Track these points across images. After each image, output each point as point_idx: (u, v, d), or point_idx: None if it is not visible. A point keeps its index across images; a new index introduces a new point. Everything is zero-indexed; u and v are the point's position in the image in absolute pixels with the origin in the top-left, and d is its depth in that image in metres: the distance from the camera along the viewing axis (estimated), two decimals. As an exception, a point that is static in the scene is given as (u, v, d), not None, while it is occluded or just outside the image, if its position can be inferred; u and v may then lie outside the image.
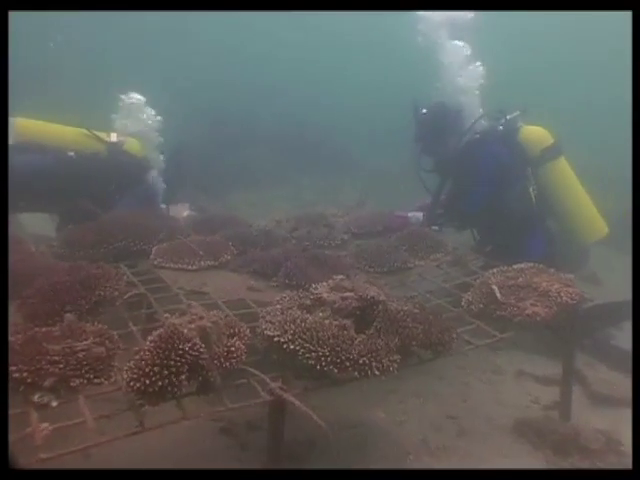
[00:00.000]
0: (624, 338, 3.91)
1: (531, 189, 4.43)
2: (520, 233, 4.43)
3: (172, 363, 1.99)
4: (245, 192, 8.30)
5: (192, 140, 7.53)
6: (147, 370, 1.96)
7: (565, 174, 4.56)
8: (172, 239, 3.65)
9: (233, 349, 2.17)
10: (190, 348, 2.03)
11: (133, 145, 4.69)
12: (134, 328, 2.59)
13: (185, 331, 2.09)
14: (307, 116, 10.92)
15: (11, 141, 4.18)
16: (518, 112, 4.62)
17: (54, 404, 2.02)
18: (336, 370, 2.23)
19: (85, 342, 2.19)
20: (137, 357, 2.05)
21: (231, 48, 15.57)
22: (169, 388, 1.97)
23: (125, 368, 2.06)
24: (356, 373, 2.23)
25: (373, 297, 2.54)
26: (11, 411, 1.94)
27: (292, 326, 2.37)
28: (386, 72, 14.19)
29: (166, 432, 2.00)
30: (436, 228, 4.31)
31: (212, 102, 10.73)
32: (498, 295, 2.90)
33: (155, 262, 3.39)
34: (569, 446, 2.94)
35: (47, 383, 2.03)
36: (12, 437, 1.78)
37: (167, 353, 2.00)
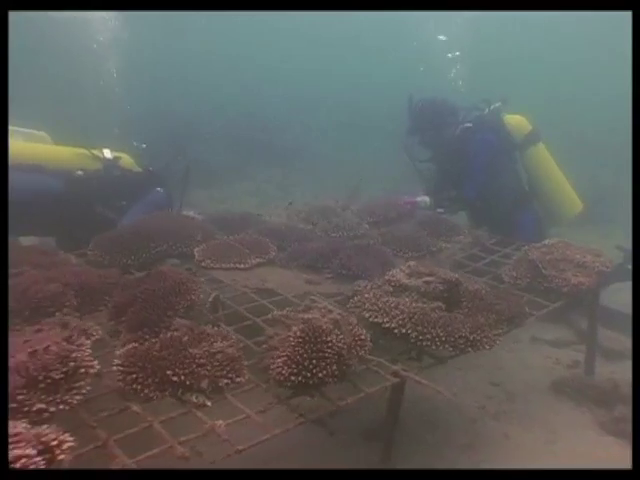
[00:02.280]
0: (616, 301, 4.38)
1: (521, 172, 4.84)
2: (512, 213, 4.83)
3: (323, 355, 2.09)
4: (207, 189, 8.21)
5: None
6: (306, 364, 2.06)
7: (544, 157, 5.02)
8: (209, 240, 3.65)
9: (363, 337, 2.30)
10: (334, 339, 2.14)
11: (127, 161, 4.61)
12: (228, 328, 2.63)
13: (324, 325, 2.19)
14: (254, 109, 10.87)
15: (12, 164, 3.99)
16: (499, 102, 5.02)
17: (209, 404, 2.07)
18: (451, 348, 2.42)
19: (219, 344, 2.23)
20: (283, 353, 2.14)
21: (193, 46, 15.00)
22: (325, 379, 2.08)
23: (274, 365, 2.14)
24: (470, 349, 2.43)
25: (457, 278, 2.75)
26: (173, 412, 1.99)
27: (397, 312, 2.52)
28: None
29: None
30: (441, 211, 4.59)
31: (161, 100, 10.42)
32: (543, 270, 3.21)
33: (203, 263, 3.39)
34: (610, 397, 3.32)
35: (203, 384, 2.07)
36: (188, 436, 1.85)
37: (318, 346, 2.10)
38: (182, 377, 2.05)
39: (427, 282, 2.77)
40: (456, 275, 2.81)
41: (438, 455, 2.80)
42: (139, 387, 2.04)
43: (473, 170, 4.66)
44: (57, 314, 2.54)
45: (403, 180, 8.00)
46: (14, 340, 2.10)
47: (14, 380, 1.76)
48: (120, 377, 2.07)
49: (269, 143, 9.76)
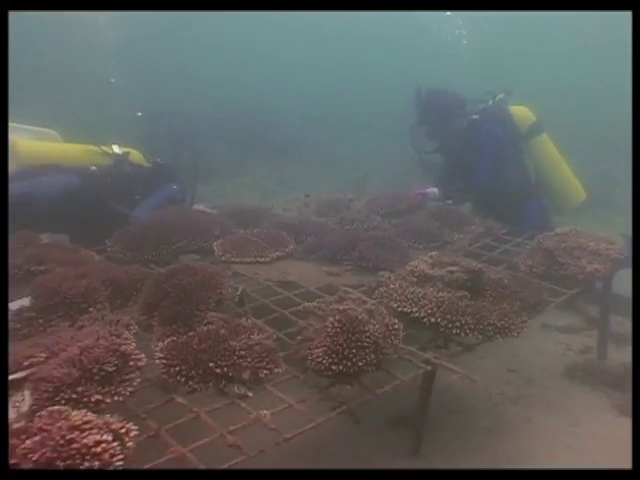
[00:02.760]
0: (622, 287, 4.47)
1: (527, 162, 4.91)
2: (518, 203, 4.90)
3: (362, 344, 2.14)
4: (206, 183, 8.21)
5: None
6: (346, 353, 2.11)
7: (548, 147, 5.08)
8: (227, 234, 3.68)
9: (396, 327, 2.36)
10: (371, 329, 2.19)
11: (136, 155, 4.63)
12: (259, 321, 2.68)
13: (360, 315, 2.25)
14: (253, 105, 10.87)
15: (20, 165, 4.01)
16: (503, 94, 5.08)
17: (250, 394, 2.12)
18: (480, 336, 2.49)
19: (256, 336, 2.27)
20: (321, 344, 2.18)
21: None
22: (365, 368, 2.13)
23: (312, 355, 2.19)
24: (498, 336, 2.49)
25: (480, 268, 2.81)
26: (217, 403, 2.03)
27: (425, 301, 2.58)
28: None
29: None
30: (450, 202, 4.65)
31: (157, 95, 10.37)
32: (559, 258, 3.28)
33: (223, 258, 3.42)
34: (623, 380, 3.41)
35: (245, 375, 2.12)
36: (235, 425, 1.90)
37: (356, 336, 2.15)
38: (224, 369, 2.10)
39: (451, 272, 2.83)
40: (479, 264, 2.87)
41: (463, 440, 2.87)
42: (183, 379, 2.08)
43: (481, 161, 4.71)
44: (90, 310, 2.57)
45: (403, 174, 8.09)
46: (59, 335, 2.13)
47: (70, 373, 1.80)
48: (164, 370, 2.11)
49: (268, 138, 9.76)
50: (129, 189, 4.30)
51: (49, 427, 1.50)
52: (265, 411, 1.99)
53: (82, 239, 3.83)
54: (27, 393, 1.69)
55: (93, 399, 1.79)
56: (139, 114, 4.73)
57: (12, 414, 1.61)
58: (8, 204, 3.64)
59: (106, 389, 1.85)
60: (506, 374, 3.58)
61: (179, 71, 12.59)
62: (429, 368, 2.38)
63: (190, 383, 2.07)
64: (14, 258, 3.01)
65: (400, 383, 2.26)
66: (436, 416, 3.01)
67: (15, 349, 2.05)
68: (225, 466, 1.75)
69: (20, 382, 1.85)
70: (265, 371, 2.18)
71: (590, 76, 13.23)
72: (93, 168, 4.17)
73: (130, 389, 1.91)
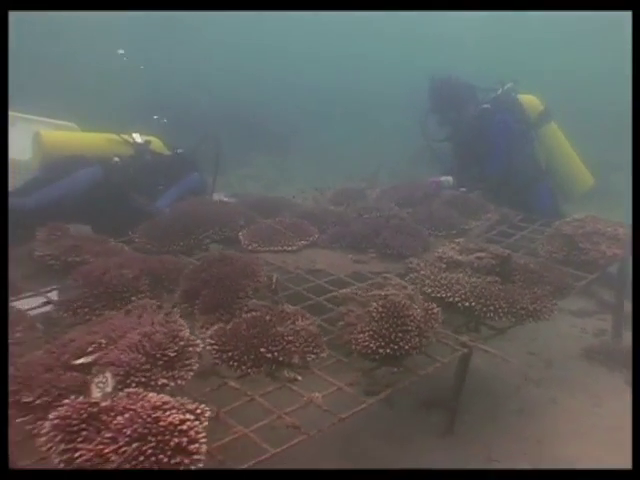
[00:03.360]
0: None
1: (537, 150, 5.00)
2: (529, 190, 4.99)
3: (407, 328, 2.23)
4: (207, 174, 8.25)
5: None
6: (393, 337, 2.19)
7: (557, 135, 5.18)
8: (251, 224, 3.73)
9: (435, 311, 2.44)
10: (415, 313, 2.28)
11: (157, 144, 4.65)
12: (297, 308, 2.74)
13: (401, 300, 2.33)
14: (252, 96, 10.86)
15: (46, 156, 4.05)
16: (511, 83, 5.15)
17: (299, 378, 2.19)
18: (513, 319, 2.58)
19: (301, 322, 2.35)
20: (367, 328, 2.26)
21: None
22: (410, 351, 2.22)
23: (356, 340, 2.26)
24: (531, 319, 2.59)
25: (509, 253, 2.90)
26: (269, 387, 2.11)
27: (458, 286, 2.67)
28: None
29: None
30: (464, 190, 4.73)
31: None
32: (579, 243, 3.37)
33: (250, 247, 3.48)
34: (640, 362, 3.51)
35: (295, 360, 2.19)
36: (291, 407, 1.97)
37: (401, 320, 2.23)
38: (275, 354, 2.17)
39: (479, 258, 2.91)
40: (507, 250, 2.95)
41: (493, 420, 2.97)
42: (235, 364, 2.15)
43: (494, 150, 4.79)
44: (133, 299, 2.64)
45: (407, 165, 8.16)
46: (113, 322, 2.19)
47: (137, 358, 1.87)
48: (216, 355, 2.18)
49: (268, 129, 9.78)
50: (151, 180, 4.32)
51: (132, 407, 1.57)
52: (317, 393, 2.07)
53: (104, 230, 3.87)
54: (109, 375, 1.75)
55: (159, 382, 1.87)
56: (164, 121, 4.76)
57: (97, 394, 1.68)
58: (44, 207, 3.72)
59: (170, 373, 1.91)
60: (527, 357, 3.68)
61: (176, 62, 12.54)
62: (466, 350, 2.46)
63: (243, 368, 2.15)
64: (50, 249, 3.06)
65: (440, 365, 2.35)
66: (465, 397, 3.11)
67: (73, 336, 2.12)
68: (286, 446, 1.82)
69: (87, 366, 1.92)
70: (312, 355, 2.26)
71: (590, 60, 13.30)
72: (116, 159, 4.19)
73: (191, 373, 1.98)
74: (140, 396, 1.66)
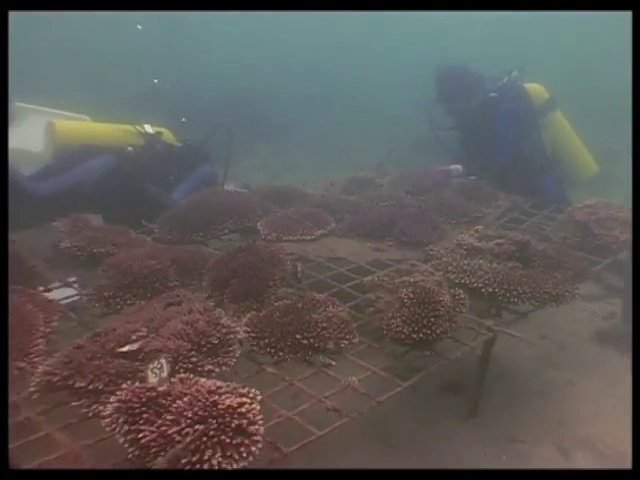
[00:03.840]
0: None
1: (543, 138, 5.07)
2: (536, 178, 5.06)
3: (438, 313, 2.29)
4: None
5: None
6: (425, 322, 2.25)
7: (562, 123, 5.25)
8: (268, 214, 3.78)
9: (462, 296, 2.51)
10: (444, 299, 2.34)
11: (168, 135, 4.67)
12: (322, 295, 2.80)
13: (431, 286, 2.39)
14: (252, 84, 10.85)
15: (59, 145, 4.07)
16: (516, 71, 5.21)
17: (334, 363, 2.25)
18: (537, 303, 2.65)
19: (332, 309, 2.41)
20: (398, 314, 2.33)
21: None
22: (441, 335, 2.29)
23: (389, 325, 2.33)
24: (553, 303, 2.66)
25: (528, 239, 2.96)
26: (306, 372, 2.17)
27: (481, 272, 2.73)
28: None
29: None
30: (473, 178, 4.79)
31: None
32: (593, 229, 3.45)
33: (270, 237, 3.53)
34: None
35: (330, 345, 2.25)
36: (329, 392, 2.03)
37: (432, 305, 2.30)
38: (311, 340, 2.23)
39: (499, 244, 2.98)
40: (526, 237, 3.02)
41: (514, 403, 3.05)
42: (272, 350, 2.21)
43: (502, 138, 4.85)
44: (163, 288, 2.69)
45: (408, 154, 8.21)
46: (149, 312, 2.25)
47: (183, 345, 1.92)
48: (253, 342, 2.24)
49: (269, 118, 9.78)
50: (163, 170, 4.35)
51: (188, 391, 1.62)
52: (353, 377, 2.13)
53: (115, 220, 3.88)
54: (164, 361, 1.81)
55: (206, 368, 1.92)
56: (183, 120, 4.80)
57: (153, 379, 1.74)
58: (56, 194, 3.74)
59: (214, 360, 1.97)
60: (540, 341, 3.76)
61: (173, 51, 12.47)
62: (491, 334, 2.53)
63: (280, 354, 2.20)
64: (75, 240, 3.10)
65: (469, 349, 2.42)
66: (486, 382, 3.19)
67: (114, 325, 2.17)
68: (330, 428, 1.88)
69: (133, 354, 1.97)
70: (345, 341, 2.32)
71: (590, 46, 13.32)
72: (130, 149, 4.21)
73: (234, 360, 2.04)
74: (192, 381, 1.71)
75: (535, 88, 5.19)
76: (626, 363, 3.55)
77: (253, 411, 1.57)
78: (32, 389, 1.95)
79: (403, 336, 2.27)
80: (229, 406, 1.55)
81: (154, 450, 1.52)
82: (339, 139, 9.38)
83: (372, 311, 2.48)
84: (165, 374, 1.75)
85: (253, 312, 2.44)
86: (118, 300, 2.63)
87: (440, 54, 6.09)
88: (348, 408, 1.99)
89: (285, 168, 8.34)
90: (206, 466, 1.46)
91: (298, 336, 2.23)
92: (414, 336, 2.25)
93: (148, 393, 1.64)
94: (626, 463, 2.52)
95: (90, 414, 1.84)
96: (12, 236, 3.02)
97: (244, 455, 1.50)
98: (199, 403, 1.56)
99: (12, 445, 1.67)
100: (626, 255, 3.83)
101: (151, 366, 1.78)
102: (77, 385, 1.89)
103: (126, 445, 1.57)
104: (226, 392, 1.63)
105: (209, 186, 4.41)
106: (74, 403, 1.86)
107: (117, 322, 2.23)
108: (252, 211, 3.75)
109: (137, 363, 1.94)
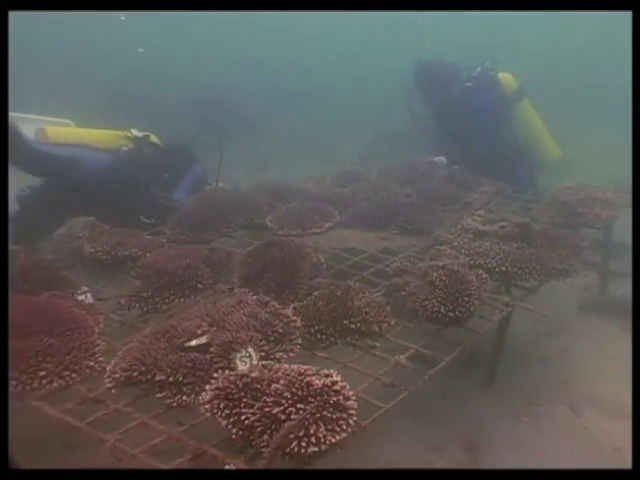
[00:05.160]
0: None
1: (515, 126, 5.40)
2: (509, 163, 5.39)
3: (469, 292, 2.52)
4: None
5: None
6: (460, 301, 2.48)
7: (530, 111, 5.60)
8: (274, 210, 3.91)
9: (484, 276, 2.75)
10: (473, 279, 2.57)
11: (154, 139, 4.72)
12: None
13: (459, 268, 2.62)
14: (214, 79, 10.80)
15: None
16: (488, 62, 5.51)
17: (377, 344, 2.45)
18: (547, 279, 2.92)
19: (368, 295, 2.60)
20: (432, 295, 2.54)
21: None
22: (474, 312, 2.52)
23: (424, 306, 2.54)
24: (561, 278, 2.94)
25: (528, 221, 3.24)
26: (355, 355, 2.35)
27: (493, 253, 2.98)
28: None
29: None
30: (456, 167, 5.06)
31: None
32: (578, 208, 3.77)
33: (280, 232, 3.67)
34: (627, 309, 3.96)
35: (375, 328, 2.46)
36: (382, 370, 2.23)
37: (464, 285, 2.53)
38: (357, 324, 2.42)
39: (502, 227, 3.24)
40: (527, 218, 3.30)
41: (523, 371, 3.35)
42: (323, 337, 2.39)
43: (481, 127, 5.14)
44: (199, 286, 2.81)
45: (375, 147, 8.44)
46: (202, 308, 2.37)
47: (254, 335, 2.07)
48: (305, 330, 2.40)
49: (238, 113, 9.79)
50: (157, 170, 4.39)
51: (279, 375, 1.78)
52: (400, 356, 2.33)
53: (108, 221, 3.88)
54: (251, 350, 1.95)
55: (277, 355, 2.08)
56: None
57: (242, 367, 1.89)
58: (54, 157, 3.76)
59: (282, 347, 2.13)
60: (532, 313, 4.07)
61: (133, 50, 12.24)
62: (510, 310, 2.79)
63: (332, 339, 2.38)
64: (99, 245, 3.16)
65: (493, 324, 2.67)
66: (493, 354, 3.46)
67: (172, 323, 2.29)
68: (395, 401, 2.07)
69: (202, 347, 2.11)
70: (384, 324, 2.52)
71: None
72: (125, 148, 4.25)
73: (298, 346, 2.21)
74: (275, 367, 1.87)
75: (506, 78, 5.50)
76: (610, 328, 3.92)
77: (345, 388, 1.75)
78: (109, 385, 2.07)
79: (440, 315, 2.48)
80: (325, 385, 1.72)
81: (259, 429, 1.68)
82: (309, 134, 9.53)
83: (404, 294, 2.68)
84: (255, 361, 1.90)
85: (295, 303, 2.59)
86: (157, 300, 2.74)
87: (413, 50, 6.34)
88: (403, 384, 2.19)
89: (258, 165, 8.41)
90: (313, 439, 1.63)
91: (345, 321, 2.41)
92: (450, 314, 2.47)
93: (243, 380, 1.78)
94: (627, 414, 2.85)
95: (174, 404, 1.97)
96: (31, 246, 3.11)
97: (344, 427, 1.68)
98: (295, 384, 1.73)
99: (116, 432, 1.79)
100: (603, 231, 4.21)
101: (239, 355, 1.92)
102: (157, 379, 2.01)
103: (229, 427, 1.72)
104: (313, 374, 1.80)
105: (203, 185, 4.51)
106: (158, 395, 1.99)
107: (174, 320, 2.35)
108: (259, 208, 3.88)
109: (208, 355, 2.08)
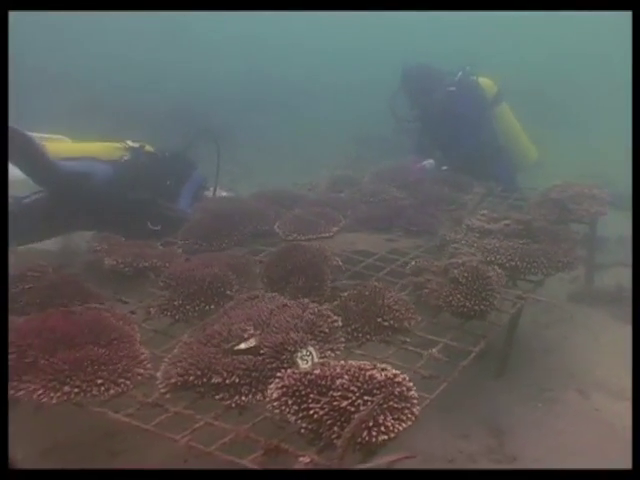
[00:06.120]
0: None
1: (496, 128, 5.65)
2: (490, 164, 5.63)
3: (492, 287, 2.69)
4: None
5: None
6: (483, 295, 2.64)
7: (509, 114, 5.86)
8: (281, 217, 4.01)
9: (500, 271, 2.92)
10: (493, 275, 2.74)
11: (148, 149, 4.76)
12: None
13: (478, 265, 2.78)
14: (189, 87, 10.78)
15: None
16: (469, 66, 5.75)
17: (408, 340, 2.59)
18: (553, 272, 3.12)
19: (396, 294, 2.74)
20: (456, 291, 2.70)
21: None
22: (496, 306, 2.68)
23: (449, 301, 2.70)
24: (567, 270, 3.14)
25: (530, 220, 3.44)
26: (390, 351, 2.48)
27: (503, 250, 3.17)
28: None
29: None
30: (445, 168, 5.27)
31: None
32: (568, 205, 4.00)
33: (290, 237, 3.77)
34: (614, 297, 4.24)
35: (406, 324, 2.59)
36: (418, 363, 2.36)
37: (486, 280, 2.69)
38: (391, 322, 2.55)
39: (506, 225, 3.43)
40: (529, 216, 3.50)
41: (530, 360, 3.54)
42: (360, 334, 2.51)
43: (465, 130, 5.36)
44: (228, 292, 2.89)
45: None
46: (240, 312, 2.47)
47: (303, 336, 2.18)
48: (343, 329, 2.52)
49: (212, 121, 9.80)
50: (158, 179, 4.43)
51: (341, 371, 1.90)
52: (433, 350, 2.48)
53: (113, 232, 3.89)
54: (312, 349, 2.06)
55: (326, 354, 2.20)
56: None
57: (304, 365, 1.99)
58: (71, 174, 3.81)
59: (330, 346, 2.25)
60: (527, 304, 4.28)
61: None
62: (522, 302, 2.97)
63: (367, 337, 2.51)
64: (120, 257, 3.20)
65: (509, 316, 2.85)
66: (498, 346, 3.65)
67: (215, 329, 2.37)
68: (438, 391, 2.21)
69: (253, 349, 2.20)
70: (412, 320, 2.66)
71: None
72: (125, 158, 4.29)
73: (343, 345, 2.33)
74: (332, 364, 1.99)
75: (487, 82, 5.75)
76: (600, 316, 4.17)
77: (406, 380, 1.88)
78: (163, 390, 2.15)
79: (465, 309, 2.64)
80: (387, 377, 1.85)
81: (329, 422, 1.80)
82: (289, 142, 9.64)
83: (426, 292, 2.83)
84: (316, 360, 2.01)
85: (326, 304, 2.71)
86: (188, 308, 2.81)
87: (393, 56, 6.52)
88: (440, 375, 2.33)
89: (243, 172, 8.47)
90: (383, 428, 1.75)
91: (379, 319, 2.54)
92: (476, 308, 2.62)
93: (307, 377, 1.89)
94: (630, 395, 3.06)
95: (233, 405, 2.06)
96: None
97: (409, 416, 1.81)
98: (359, 379, 1.85)
99: (184, 434, 1.88)
100: (590, 226, 4.47)
101: (299, 354, 2.03)
102: (213, 381, 2.10)
103: (298, 421, 1.83)
104: (372, 368, 1.93)
105: (203, 191, 4.59)
106: (216, 397, 2.08)
107: (216, 325, 2.43)
108: (266, 215, 3.97)
109: (260, 357, 2.18)
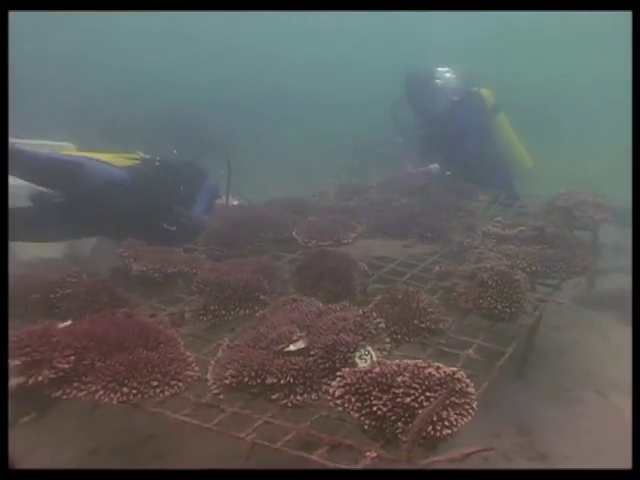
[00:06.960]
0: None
1: (495, 136, 5.82)
2: (490, 171, 5.79)
3: (520, 290, 2.80)
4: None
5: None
6: (513, 297, 2.75)
7: (506, 124, 6.04)
8: (299, 223, 4.07)
9: (524, 275, 3.03)
10: (520, 279, 2.85)
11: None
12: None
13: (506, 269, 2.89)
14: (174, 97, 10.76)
15: None
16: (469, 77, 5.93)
17: (443, 341, 2.67)
18: (573, 275, 3.25)
19: (426, 297, 2.83)
20: (486, 294, 2.80)
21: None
22: (524, 308, 2.79)
23: (479, 304, 2.79)
24: (582, 275, 3.27)
25: (543, 226, 3.57)
26: (428, 351, 2.57)
27: (522, 255, 3.29)
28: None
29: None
30: (449, 173, 5.39)
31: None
32: (575, 212, 4.15)
33: (310, 244, 3.84)
34: (617, 301, 4.40)
35: (441, 326, 2.68)
36: (455, 365, 2.45)
37: (514, 284, 2.80)
38: (427, 323, 2.64)
39: (522, 231, 3.56)
40: (541, 222, 3.63)
41: (546, 360, 3.65)
42: (399, 337, 2.59)
43: (469, 138, 5.51)
44: (261, 297, 2.95)
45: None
46: (284, 315, 2.53)
47: (354, 337, 2.26)
48: (384, 331, 2.59)
49: (210, 132, 9.83)
50: (172, 185, 4.48)
51: (399, 369, 1.98)
52: (469, 350, 2.57)
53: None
54: (370, 349, 2.13)
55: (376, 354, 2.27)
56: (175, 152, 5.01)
57: (363, 364, 2.06)
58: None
59: (377, 346, 2.32)
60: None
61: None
62: (544, 304, 3.09)
63: (406, 338, 2.59)
64: (149, 263, 3.23)
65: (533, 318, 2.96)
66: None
67: (262, 332, 2.43)
68: (481, 389, 2.30)
69: (302, 351, 2.27)
70: (446, 322, 2.75)
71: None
72: (138, 164, 4.33)
73: (388, 345, 2.41)
74: (389, 363, 2.06)
75: (486, 93, 5.94)
76: (607, 319, 4.33)
77: (464, 377, 1.96)
78: (216, 391, 2.19)
79: (497, 311, 2.74)
80: (447, 374, 1.93)
81: (392, 418, 1.87)
82: (287, 151, 9.71)
83: (455, 295, 2.93)
84: (375, 359, 2.08)
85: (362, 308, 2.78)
86: (223, 312, 2.86)
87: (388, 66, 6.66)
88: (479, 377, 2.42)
89: (244, 183, 8.49)
90: (446, 423, 1.83)
91: (416, 321, 2.63)
92: (507, 310, 2.73)
93: (368, 375, 1.97)
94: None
95: (289, 404, 2.12)
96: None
97: (470, 411, 1.89)
98: (420, 376, 1.93)
99: (246, 431, 1.93)
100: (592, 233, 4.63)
101: (358, 354, 2.10)
102: (268, 382, 2.16)
103: (362, 418, 1.90)
104: (428, 366, 2.01)
105: (215, 199, 4.64)
106: (272, 397, 2.13)
107: (261, 328, 2.49)
108: (284, 222, 4.04)
109: (310, 358, 2.24)
